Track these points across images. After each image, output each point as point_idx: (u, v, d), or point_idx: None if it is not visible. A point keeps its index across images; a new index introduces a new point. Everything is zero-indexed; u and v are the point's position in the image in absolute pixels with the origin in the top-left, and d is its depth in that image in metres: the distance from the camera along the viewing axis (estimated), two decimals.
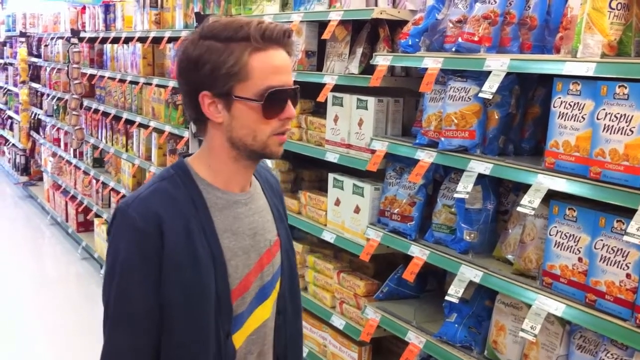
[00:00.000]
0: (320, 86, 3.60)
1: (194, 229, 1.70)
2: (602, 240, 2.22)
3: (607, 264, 2.20)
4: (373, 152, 3.27)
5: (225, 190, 1.78)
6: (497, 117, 2.76)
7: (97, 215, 7.65)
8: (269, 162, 3.80)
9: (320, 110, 3.86)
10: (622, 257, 2.16)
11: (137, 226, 1.66)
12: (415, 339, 2.95)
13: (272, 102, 1.67)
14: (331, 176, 3.63)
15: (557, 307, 2.32)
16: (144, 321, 1.67)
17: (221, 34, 1.65)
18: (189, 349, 1.69)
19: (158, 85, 5.87)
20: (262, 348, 1.86)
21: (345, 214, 3.51)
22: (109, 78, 7.18)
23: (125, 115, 6.63)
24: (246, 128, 1.69)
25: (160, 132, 5.83)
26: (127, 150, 6.75)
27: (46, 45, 9.63)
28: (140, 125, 6.34)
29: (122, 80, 6.72)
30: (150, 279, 1.66)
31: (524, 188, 2.49)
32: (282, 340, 1.92)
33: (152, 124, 5.92)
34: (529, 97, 2.86)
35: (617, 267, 2.17)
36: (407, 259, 3.06)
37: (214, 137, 1.75)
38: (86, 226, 8.09)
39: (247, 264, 1.79)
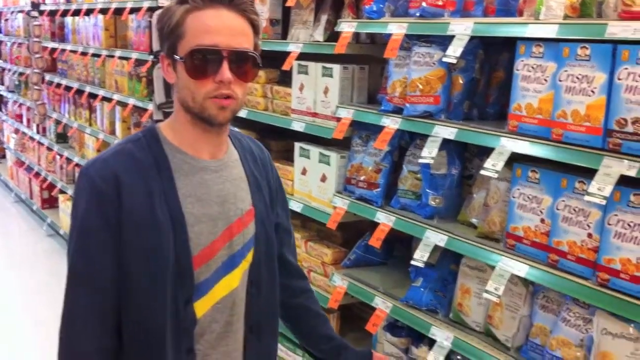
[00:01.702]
0: (286, 55, 3.57)
1: (155, 192, 1.69)
2: (564, 201, 2.25)
3: (568, 225, 2.23)
4: (339, 120, 3.26)
5: (194, 156, 1.77)
6: (461, 82, 2.76)
7: (61, 192, 7.55)
8: None
9: (285, 80, 3.83)
10: (584, 217, 2.19)
11: (95, 186, 1.66)
12: (382, 304, 2.97)
13: (197, 61, 1.65)
14: (297, 145, 3.62)
15: (520, 268, 2.35)
16: (101, 280, 1.66)
17: None
18: (146, 312, 1.68)
19: (121, 58, 5.78)
20: (229, 318, 1.83)
21: (312, 183, 3.51)
22: (70, 51, 7.04)
23: (88, 89, 6.52)
24: (185, 89, 1.70)
25: (124, 105, 5.75)
26: (90, 125, 6.65)
27: (6, 20, 9.41)
28: (104, 98, 6.25)
29: (84, 53, 6.60)
30: (107, 239, 1.65)
31: (488, 152, 2.50)
32: (255, 311, 1.89)
33: (116, 97, 5.83)
34: (494, 62, 2.88)
35: (579, 227, 2.20)
36: (374, 226, 3.07)
37: (175, 99, 1.78)
38: (51, 203, 7.98)
39: (213, 232, 1.77)
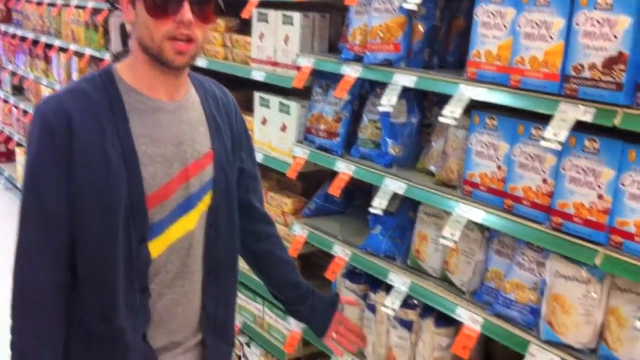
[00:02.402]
0: (245, 2, 3.51)
1: (107, 131, 1.67)
2: (520, 147, 2.28)
3: (524, 170, 2.26)
4: (299, 69, 3.23)
5: (150, 96, 1.75)
6: (422, 29, 2.75)
7: (18, 145, 7.40)
8: None
9: (245, 28, 3.77)
10: (539, 162, 2.21)
11: (47, 123, 1.65)
12: (342, 252, 2.99)
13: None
14: (257, 95, 3.58)
15: (476, 214, 2.38)
16: (54, 215, 1.66)
17: None
18: (98, 249, 1.68)
19: (77, 7, 5.64)
20: (186, 260, 1.84)
21: (272, 133, 3.49)
22: (26, 1, 6.85)
23: (43, 40, 6.37)
24: (144, 27, 1.67)
25: (80, 55, 5.62)
26: (47, 76, 6.50)
27: None
28: (60, 49, 6.11)
29: (39, 3, 6.43)
30: (59, 175, 1.65)
31: (448, 101, 2.51)
32: (213, 253, 1.90)
33: (72, 47, 5.70)
34: (454, 9, 2.86)
35: (534, 172, 2.23)
36: (334, 175, 3.07)
37: (133, 39, 1.75)
38: (8, 156, 7.84)
39: (168, 173, 1.76)
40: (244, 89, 4.11)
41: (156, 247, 1.78)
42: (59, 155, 1.64)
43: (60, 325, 1.72)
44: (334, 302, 2.29)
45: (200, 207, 1.85)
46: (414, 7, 2.59)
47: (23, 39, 6.95)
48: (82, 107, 1.67)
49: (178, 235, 1.81)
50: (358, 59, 2.91)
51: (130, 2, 1.70)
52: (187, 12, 1.63)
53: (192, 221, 1.83)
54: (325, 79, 3.23)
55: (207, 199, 1.86)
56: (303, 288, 2.22)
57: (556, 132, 2.05)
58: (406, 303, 2.69)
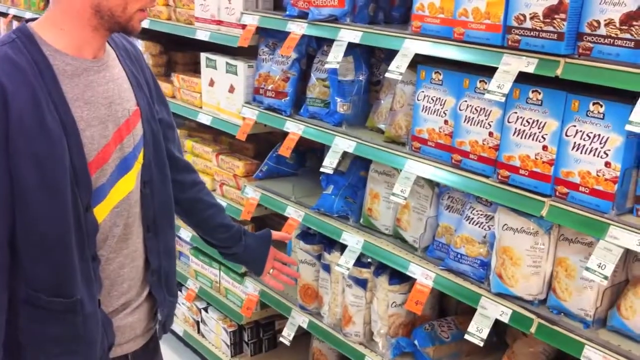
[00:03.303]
0: None
1: (41, 98, 1.58)
2: (466, 101, 2.26)
3: (470, 125, 2.25)
4: (244, 27, 3.16)
5: (75, 57, 1.67)
6: None
7: None
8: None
9: None
10: (485, 116, 2.20)
11: None
12: (295, 213, 2.97)
13: None
14: (203, 56, 3.50)
15: (424, 170, 2.37)
16: None
17: None
18: (47, 223, 1.61)
19: None
20: (127, 220, 1.82)
21: (220, 95, 3.42)
22: None
23: None
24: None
25: (20, 20, 5.42)
26: None
27: None
28: (0, 14, 5.88)
29: None
30: None
31: (394, 57, 2.47)
32: (150, 209, 1.88)
33: (12, 11, 5.50)
34: None
35: (480, 126, 2.22)
36: (285, 136, 3.03)
37: (76, 3, 1.63)
38: None
39: (104, 135, 1.71)
40: (190, 49, 4.02)
41: (101, 212, 1.74)
42: None
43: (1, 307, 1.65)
44: (267, 238, 2.34)
45: (136, 167, 1.81)
46: None
47: None
48: (14, 76, 1.56)
49: (120, 197, 1.77)
50: (303, 15, 2.85)
51: None
52: None
53: (131, 181, 1.80)
54: (271, 38, 3.16)
55: (140, 157, 1.83)
56: (234, 229, 2.24)
57: (500, 85, 2.03)
58: (360, 262, 2.69)
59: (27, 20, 1.70)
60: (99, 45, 1.71)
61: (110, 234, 1.79)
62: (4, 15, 5.71)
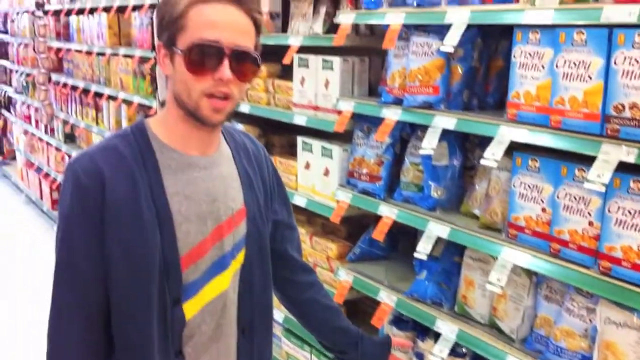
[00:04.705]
0: (286, 48, 3.54)
1: (141, 189, 1.65)
2: (564, 189, 2.22)
3: (569, 213, 2.20)
4: (340, 112, 3.24)
5: (182, 152, 1.72)
6: (460, 71, 2.73)
7: None
8: None
9: (287, 74, 3.81)
10: (584, 205, 2.15)
11: (80, 181, 1.63)
12: (387, 298, 2.95)
13: (198, 56, 1.61)
14: (300, 139, 3.59)
15: (522, 258, 2.32)
16: (87, 276, 1.64)
17: None
18: (133, 311, 1.65)
19: (125, 56, 5.79)
20: (220, 320, 1.80)
21: (315, 177, 3.49)
22: (75, 51, 7.07)
23: (93, 88, 6.54)
24: (182, 83, 1.65)
25: (129, 103, 5.76)
26: (97, 124, 6.67)
27: (12, 21, 9.44)
28: (110, 97, 6.26)
29: (89, 52, 6.62)
30: (92, 235, 1.62)
31: (489, 142, 2.47)
32: (247, 312, 1.86)
33: (121, 95, 5.84)
34: (493, 50, 2.84)
35: (580, 215, 2.17)
36: (378, 219, 3.04)
37: (168, 92, 1.74)
38: None
39: (202, 231, 1.73)
40: (286, 133, 4.14)
41: (190, 308, 1.73)
42: (92, 215, 1.62)
43: None
44: (386, 345, 2.22)
45: (234, 266, 1.81)
46: (451, 50, 2.57)
47: (74, 87, 7.16)
48: (115, 165, 1.65)
49: (212, 295, 1.77)
50: (398, 102, 2.90)
51: (168, 56, 1.67)
52: (226, 70, 1.61)
53: (226, 280, 1.79)
54: (366, 123, 3.22)
55: (240, 257, 1.82)
56: (351, 333, 2.14)
57: (600, 174, 1.99)
58: (454, 351, 2.63)
59: (147, 115, 1.80)
60: (205, 141, 1.76)
61: (198, 332, 1.76)
62: (114, 98, 6.06)
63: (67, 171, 1.68)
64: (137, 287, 1.65)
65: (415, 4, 2.73)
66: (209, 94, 1.63)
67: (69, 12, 7.20)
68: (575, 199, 2.18)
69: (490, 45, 2.82)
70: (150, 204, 1.66)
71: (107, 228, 1.63)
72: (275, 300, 2.05)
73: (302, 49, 3.51)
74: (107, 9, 6.08)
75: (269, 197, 1.94)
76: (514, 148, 2.41)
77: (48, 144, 8.22)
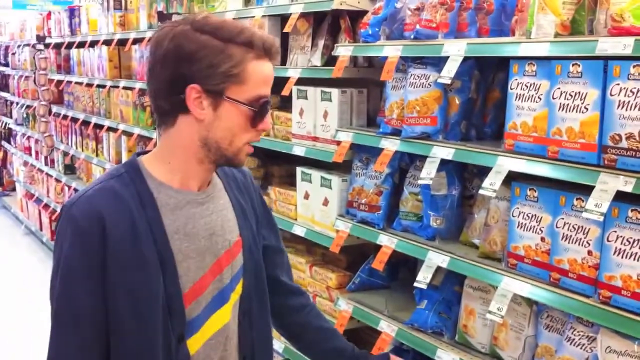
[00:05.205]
0: (285, 80, 3.58)
1: (141, 230, 1.64)
2: (563, 218, 2.24)
3: (568, 242, 2.21)
4: (338, 143, 3.27)
5: (180, 189, 1.72)
6: (457, 102, 2.76)
7: None
8: None
9: (286, 105, 3.85)
10: (583, 234, 2.17)
11: (78, 225, 1.61)
12: (388, 328, 2.95)
13: (261, 111, 1.68)
14: (299, 170, 3.62)
15: (522, 287, 2.33)
16: (87, 322, 1.61)
17: (220, 32, 1.63)
18: (138, 352, 1.64)
19: (125, 88, 5.84)
20: (223, 353, 1.80)
21: (315, 207, 3.51)
22: (76, 83, 7.13)
23: (94, 120, 6.58)
24: (227, 131, 1.67)
25: (129, 134, 5.79)
26: (97, 155, 6.70)
27: (13, 54, 9.54)
28: (110, 129, 6.30)
29: (89, 85, 6.68)
30: (92, 280, 1.60)
31: (487, 172, 2.49)
32: (248, 341, 1.86)
33: (121, 127, 5.88)
34: (489, 81, 2.88)
35: (579, 244, 2.18)
36: (378, 249, 3.05)
37: (184, 133, 1.69)
38: None
39: (201, 266, 1.73)
40: (285, 163, 4.17)
41: (194, 344, 1.73)
42: (92, 260, 1.60)
43: None
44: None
45: (233, 298, 1.81)
46: (448, 81, 2.61)
47: (74, 119, 7.20)
48: (114, 207, 1.63)
49: (215, 329, 1.77)
50: (396, 132, 2.93)
51: (210, 103, 1.65)
52: (269, 122, 1.72)
53: (227, 313, 1.80)
54: (364, 153, 3.25)
55: (239, 288, 1.83)
56: (349, 352, 2.10)
57: (598, 203, 2.01)
58: None
59: (138, 154, 1.79)
60: (205, 178, 1.77)
61: None
62: (114, 130, 6.10)
63: (63, 215, 1.65)
64: (142, 328, 1.64)
65: (412, 36, 2.77)
66: (250, 142, 1.72)
67: (69, 45, 7.27)
68: (574, 228, 2.20)
69: (487, 76, 2.86)
70: (150, 243, 1.65)
71: (109, 271, 1.61)
72: (274, 331, 2.05)
73: (301, 81, 3.55)
74: (107, 42, 6.15)
75: (259, 223, 1.96)
76: (512, 177, 2.43)
77: (48, 175, 8.25)
